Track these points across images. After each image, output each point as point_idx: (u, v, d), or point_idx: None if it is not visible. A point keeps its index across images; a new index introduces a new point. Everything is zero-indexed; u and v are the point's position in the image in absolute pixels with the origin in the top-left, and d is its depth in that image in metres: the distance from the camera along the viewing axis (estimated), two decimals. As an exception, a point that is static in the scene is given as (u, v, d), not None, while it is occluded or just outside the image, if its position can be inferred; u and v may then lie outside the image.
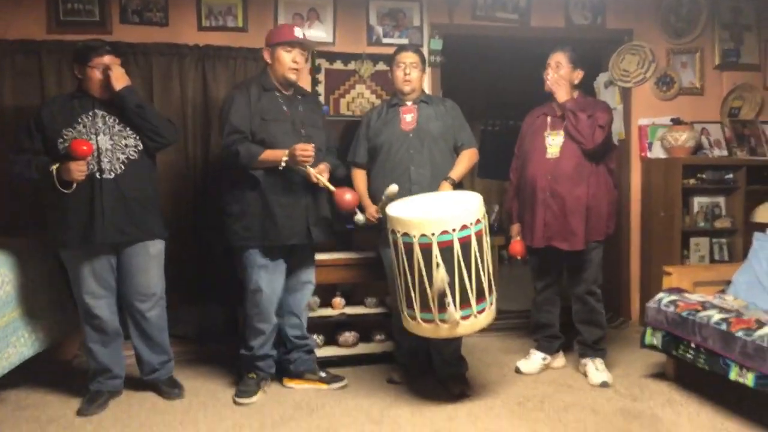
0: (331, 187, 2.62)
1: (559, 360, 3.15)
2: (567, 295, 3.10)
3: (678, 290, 2.91)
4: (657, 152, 3.95)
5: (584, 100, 2.97)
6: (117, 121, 2.57)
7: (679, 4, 4.00)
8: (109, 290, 2.64)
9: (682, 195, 3.76)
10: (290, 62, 2.65)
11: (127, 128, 2.58)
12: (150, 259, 2.66)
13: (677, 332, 2.67)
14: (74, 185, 2.45)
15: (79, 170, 2.42)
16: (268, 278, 2.70)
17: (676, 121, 3.87)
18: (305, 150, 2.52)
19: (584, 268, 2.95)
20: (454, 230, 2.32)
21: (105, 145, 2.53)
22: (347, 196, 2.60)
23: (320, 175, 2.60)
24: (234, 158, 2.59)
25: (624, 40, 3.95)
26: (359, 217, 2.73)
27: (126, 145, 2.57)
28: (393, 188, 2.62)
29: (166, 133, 2.63)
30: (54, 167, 2.44)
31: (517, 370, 3.06)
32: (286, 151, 2.55)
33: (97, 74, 2.54)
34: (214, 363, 3.22)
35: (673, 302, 2.75)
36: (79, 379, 2.80)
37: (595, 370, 2.93)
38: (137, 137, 2.59)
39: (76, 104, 2.56)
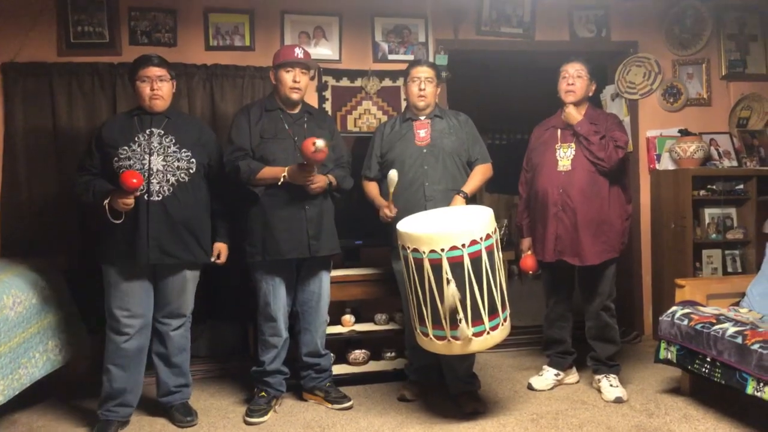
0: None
1: (572, 376, 3.11)
2: (579, 310, 3.07)
3: (691, 303, 2.87)
4: (666, 164, 3.94)
5: (595, 112, 2.96)
6: (173, 141, 2.57)
7: (683, 16, 4.01)
8: (145, 309, 2.60)
9: (693, 207, 3.73)
10: (291, 82, 2.70)
11: (182, 150, 2.58)
12: (186, 282, 2.66)
13: (692, 346, 2.64)
14: (123, 216, 2.47)
15: (125, 204, 2.43)
16: (274, 292, 2.73)
17: (684, 133, 3.85)
18: (309, 179, 2.58)
19: (597, 283, 2.92)
20: (463, 245, 2.30)
21: (157, 166, 2.53)
22: (308, 143, 2.47)
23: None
24: (235, 174, 2.64)
25: (629, 53, 3.96)
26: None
27: (178, 168, 2.56)
28: (393, 174, 2.63)
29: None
30: (106, 202, 2.45)
31: (530, 387, 3.02)
32: (286, 168, 2.58)
33: (144, 88, 2.55)
34: (225, 381, 3.22)
35: (686, 315, 2.72)
36: (90, 399, 2.78)
37: (609, 386, 2.89)
38: (190, 159, 2.59)
39: (135, 122, 2.58)
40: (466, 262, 2.31)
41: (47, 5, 3.26)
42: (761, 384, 2.28)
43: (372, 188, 2.94)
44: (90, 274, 2.78)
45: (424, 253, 2.33)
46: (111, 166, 2.52)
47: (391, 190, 2.71)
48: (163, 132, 2.58)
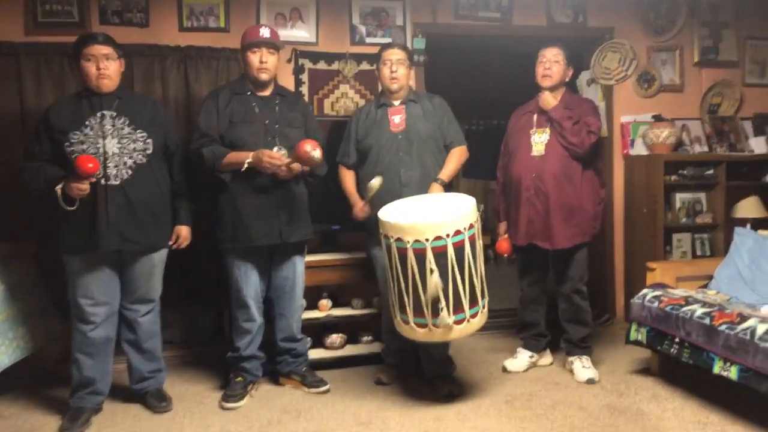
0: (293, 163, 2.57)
1: (546, 358, 3.17)
2: (552, 293, 3.12)
3: (662, 286, 2.93)
4: (639, 149, 3.99)
5: (571, 98, 2.98)
6: (127, 122, 2.49)
7: (658, 2, 4.04)
8: (111, 297, 2.55)
9: (664, 191, 3.80)
10: (257, 63, 2.65)
11: (137, 131, 2.50)
12: (153, 267, 2.61)
13: (661, 327, 2.70)
14: (77, 203, 2.39)
15: (80, 190, 2.35)
16: (246, 278, 2.72)
17: (658, 118, 3.91)
18: (272, 158, 2.51)
19: (570, 266, 2.97)
20: (448, 235, 2.31)
21: (112, 150, 2.44)
22: (306, 146, 2.46)
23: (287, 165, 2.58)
24: (200, 161, 2.61)
25: (605, 38, 3.98)
26: (245, 166, 2.53)
27: (134, 149, 2.48)
28: (376, 181, 2.63)
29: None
30: (59, 187, 2.36)
31: (504, 369, 3.07)
32: (251, 153, 2.54)
33: (90, 67, 2.45)
34: (201, 367, 3.20)
35: (656, 297, 2.78)
36: (61, 387, 2.75)
37: (582, 367, 2.95)
38: (146, 140, 2.51)
39: (84, 104, 2.48)
40: (450, 251, 2.31)
41: (13, -19, 3.16)
42: (728, 363, 2.35)
43: (348, 180, 2.93)
44: (61, 259, 2.73)
45: (408, 242, 2.32)
46: (62, 152, 2.42)
47: (370, 195, 2.71)
48: (115, 113, 2.49)
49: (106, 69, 2.46)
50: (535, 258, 3.03)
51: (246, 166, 2.54)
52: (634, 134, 4.03)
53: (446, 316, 2.35)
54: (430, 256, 2.30)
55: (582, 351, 3.01)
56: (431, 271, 2.31)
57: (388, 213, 2.46)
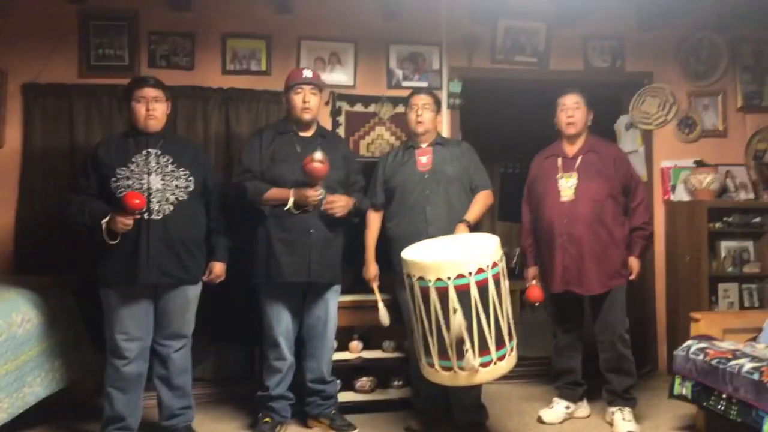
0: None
1: (583, 409, 3.04)
2: (591, 342, 3.01)
3: (707, 338, 2.80)
4: (680, 195, 3.89)
5: (596, 141, 2.99)
6: (170, 160, 2.58)
7: (699, 47, 4.00)
8: (144, 332, 2.58)
9: (709, 239, 3.67)
10: (301, 103, 2.72)
11: (180, 168, 2.59)
12: (188, 302, 2.65)
13: (707, 382, 2.56)
14: (119, 237, 2.46)
15: (124, 224, 2.42)
16: (277, 316, 2.73)
17: (700, 164, 3.82)
18: (310, 196, 2.60)
19: (608, 312, 2.88)
20: (470, 273, 2.25)
21: (156, 185, 2.53)
22: (316, 163, 2.56)
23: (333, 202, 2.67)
24: (242, 194, 2.68)
25: (644, 83, 3.95)
26: (290, 203, 2.63)
27: (177, 186, 2.57)
28: (317, 154, 2.62)
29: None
30: (105, 221, 2.44)
31: (540, 420, 2.95)
32: (292, 191, 2.60)
33: (140, 108, 2.56)
34: (230, 405, 3.18)
35: (702, 350, 2.65)
36: (95, 421, 2.75)
37: (622, 419, 2.82)
38: (189, 177, 2.60)
39: (131, 143, 2.58)
40: (473, 290, 2.26)
41: (70, 28, 3.35)
42: (779, 424, 2.21)
43: (372, 230, 2.95)
44: (98, 293, 2.78)
45: (430, 281, 2.28)
46: (108, 187, 2.51)
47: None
48: (159, 152, 2.58)
49: (155, 110, 2.57)
50: (570, 304, 2.95)
51: (291, 202, 2.60)
52: (675, 179, 3.94)
53: (471, 358, 2.27)
54: (452, 294, 2.25)
55: (625, 402, 2.89)
56: (454, 310, 2.25)
57: (410, 252, 2.44)
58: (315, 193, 2.61)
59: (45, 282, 2.91)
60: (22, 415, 2.55)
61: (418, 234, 2.69)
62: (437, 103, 2.92)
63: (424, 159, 2.85)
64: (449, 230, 2.72)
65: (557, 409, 2.98)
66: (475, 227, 2.82)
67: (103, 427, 2.59)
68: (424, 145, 2.88)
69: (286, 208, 2.62)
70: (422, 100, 2.86)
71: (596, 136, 3.04)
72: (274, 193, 2.66)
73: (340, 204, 2.68)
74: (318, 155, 2.54)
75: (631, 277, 2.92)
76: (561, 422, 2.94)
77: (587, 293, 2.83)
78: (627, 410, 2.86)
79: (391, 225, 2.86)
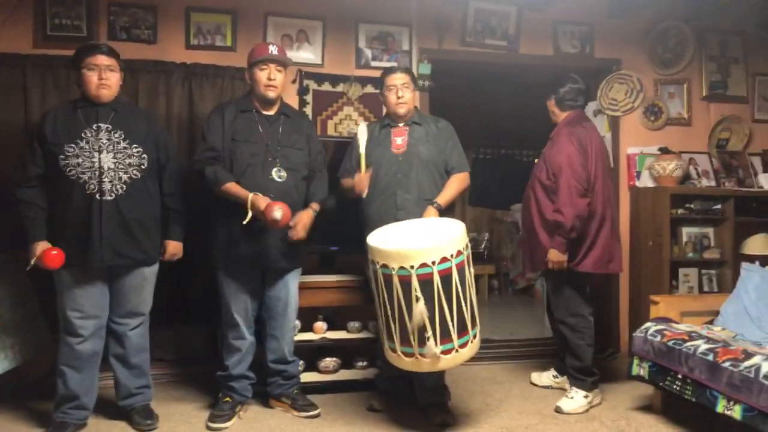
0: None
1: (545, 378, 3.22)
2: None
3: (665, 320, 2.85)
4: (645, 181, 3.94)
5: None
6: (122, 136, 2.47)
7: (667, 36, 4.04)
8: (100, 310, 2.51)
9: (671, 225, 3.73)
10: (266, 79, 2.64)
11: (133, 145, 2.48)
12: (144, 280, 2.58)
13: (664, 362, 2.61)
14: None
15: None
16: (235, 295, 2.68)
17: (664, 150, 3.87)
18: (262, 215, 2.48)
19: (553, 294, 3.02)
20: (433, 263, 2.23)
21: (107, 164, 2.42)
22: (276, 215, 2.44)
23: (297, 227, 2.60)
24: (201, 177, 2.60)
25: (612, 70, 3.98)
26: (247, 218, 2.50)
27: (129, 164, 2.47)
28: (362, 129, 2.68)
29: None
30: (32, 261, 2.40)
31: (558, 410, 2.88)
32: (249, 196, 2.50)
33: (91, 76, 2.44)
34: (191, 386, 3.14)
35: (659, 332, 2.70)
36: (49, 400, 2.68)
37: (566, 396, 2.91)
38: (142, 155, 2.50)
39: (80, 115, 2.46)
40: (436, 279, 2.24)
41: (25, -5, 3.21)
42: (731, 402, 2.26)
43: (347, 180, 2.86)
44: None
45: (393, 269, 2.26)
46: (57, 165, 2.40)
47: (362, 148, 2.67)
48: (110, 126, 2.47)
49: (108, 80, 2.46)
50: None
51: (249, 216, 2.48)
52: (640, 166, 3.99)
53: (433, 346, 2.26)
54: (415, 283, 2.23)
55: (574, 381, 2.95)
56: (417, 299, 2.23)
57: (375, 238, 2.41)
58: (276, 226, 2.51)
59: (-3, 259, 2.81)
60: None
61: (387, 218, 2.66)
62: (414, 81, 2.85)
63: (399, 140, 2.80)
64: (419, 215, 2.69)
65: (577, 398, 2.92)
66: (448, 210, 2.79)
67: (57, 405, 2.52)
68: (401, 124, 2.83)
69: (244, 222, 2.49)
70: (401, 79, 2.78)
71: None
72: (232, 189, 2.55)
73: (302, 230, 2.62)
74: (277, 215, 2.43)
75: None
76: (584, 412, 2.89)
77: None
78: (574, 389, 2.92)
79: (364, 206, 2.81)
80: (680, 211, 3.80)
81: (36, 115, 3.13)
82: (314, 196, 2.75)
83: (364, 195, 2.71)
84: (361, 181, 2.69)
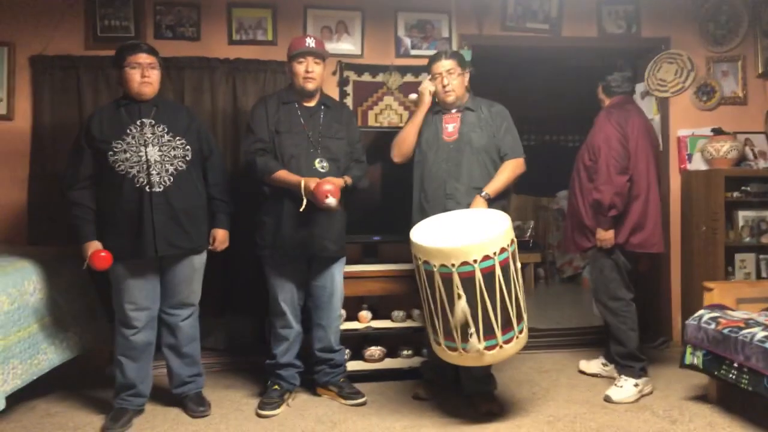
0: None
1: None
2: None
3: (720, 307, 2.75)
4: (697, 164, 3.80)
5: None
6: (166, 130, 2.55)
7: (718, 12, 3.87)
8: (152, 302, 2.61)
9: (726, 209, 3.58)
10: (304, 72, 2.68)
11: (176, 138, 2.56)
12: (194, 271, 2.67)
13: (718, 351, 2.53)
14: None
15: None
16: (282, 285, 2.74)
17: (717, 132, 3.71)
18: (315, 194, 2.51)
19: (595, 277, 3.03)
20: (475, 261, 2.19)
21: (154, 157, 2.50)
22: (326, 186, 2.48)
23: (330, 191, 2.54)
24: (251, 167, 2.66)
25: (660, 49, 3.84)
26: (331, 200, 2.50)
27: (175, 156, 2.55)
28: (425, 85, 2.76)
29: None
30: (86, 263, 2.49)
31: (607, 399, 2.83)
32: (302, 180, 2.54)
33: (134, 74, 2.51)
34: (241, 374, 3.22)
35: (714, 319, 2.61)
36: (109, 388, 2.80)
37: (615, 385, 2.85)
38: (186, 147, 2.57)
39: (123, 113, 2.54)
40: (478, 276, 2.21)
41: (75, -1, 3.33)
42: (791, 392, 2.17)
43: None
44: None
45: (434, 266, 2.24)
46: (106, 162, 2.49)
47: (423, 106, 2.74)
48: (153, 121, 2.55)
49: (150, 77, 2.54)
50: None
51: (304, 202, 2.52)
52: (691, 148, 3.85)
53: (476, 342, 2.24)
54: (456, 281, 2.20)
55: (621, 369, 2.91)
56: (458, 296, 2.20)
57: (417, 233, 2.38)
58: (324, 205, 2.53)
59: (58, 253, 2.95)
60: (38, 381, 2.61)
61: (436, 206, 2.66)
62: (462, 65, 2.78)
63: (450, 127, 2.76)
64: (468, 205, 2.65)
65: (627, 386, 2.86)
66: (502, 197, 2.74)
67: (116, 393, 2.64)
68: (453, 111, 2.79)
69: (300, 209, 2.54)
70: (445, 66, 2.73)
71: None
72: (282, 176, 2.60)
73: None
74: (332, 202, 2.48)
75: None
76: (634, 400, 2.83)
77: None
78: (623, 377, 2.86)
79: (416, 191, 2.80)
80: (736, 194, 3.64)
81: (90, 114, 3.24)
82: (349, 171, 2.77)
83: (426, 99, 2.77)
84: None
